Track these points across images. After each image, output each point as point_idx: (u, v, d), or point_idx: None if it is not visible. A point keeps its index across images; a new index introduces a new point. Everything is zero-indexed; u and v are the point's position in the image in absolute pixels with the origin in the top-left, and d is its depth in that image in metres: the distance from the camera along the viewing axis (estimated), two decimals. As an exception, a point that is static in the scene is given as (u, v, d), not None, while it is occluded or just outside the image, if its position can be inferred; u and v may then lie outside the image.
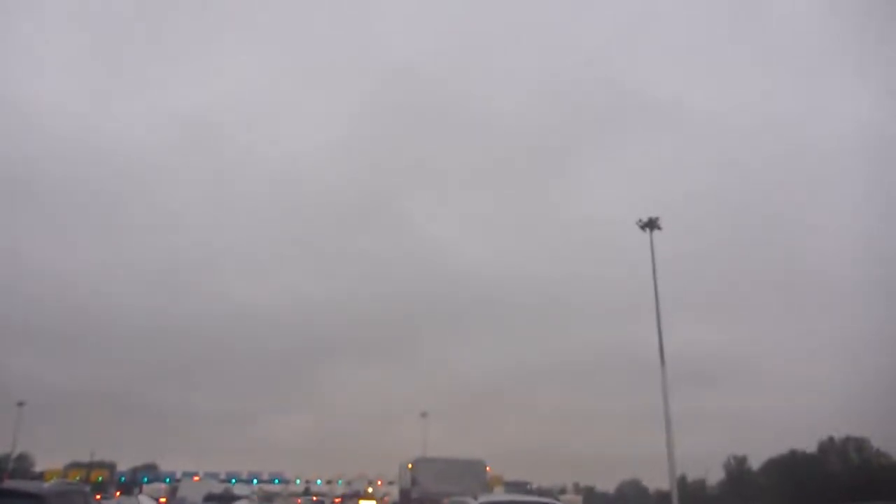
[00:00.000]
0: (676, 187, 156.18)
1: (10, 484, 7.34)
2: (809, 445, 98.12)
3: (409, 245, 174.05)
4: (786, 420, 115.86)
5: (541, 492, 74.46)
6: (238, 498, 45.49)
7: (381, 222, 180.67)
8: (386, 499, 60.59)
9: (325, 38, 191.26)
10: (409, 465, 23.55)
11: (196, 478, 66.07)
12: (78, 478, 60.99)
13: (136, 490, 51.40)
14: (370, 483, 75.92)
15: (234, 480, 69.98)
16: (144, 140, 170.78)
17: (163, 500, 48.68)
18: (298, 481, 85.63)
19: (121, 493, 46.42)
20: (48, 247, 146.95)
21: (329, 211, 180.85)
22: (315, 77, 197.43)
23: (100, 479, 72.48)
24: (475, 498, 11.30)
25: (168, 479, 75.97)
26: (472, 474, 22.08)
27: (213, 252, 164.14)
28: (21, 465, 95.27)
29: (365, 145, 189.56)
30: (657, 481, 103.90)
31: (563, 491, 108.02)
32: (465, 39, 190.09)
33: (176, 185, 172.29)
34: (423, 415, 79.89)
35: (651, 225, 41.65)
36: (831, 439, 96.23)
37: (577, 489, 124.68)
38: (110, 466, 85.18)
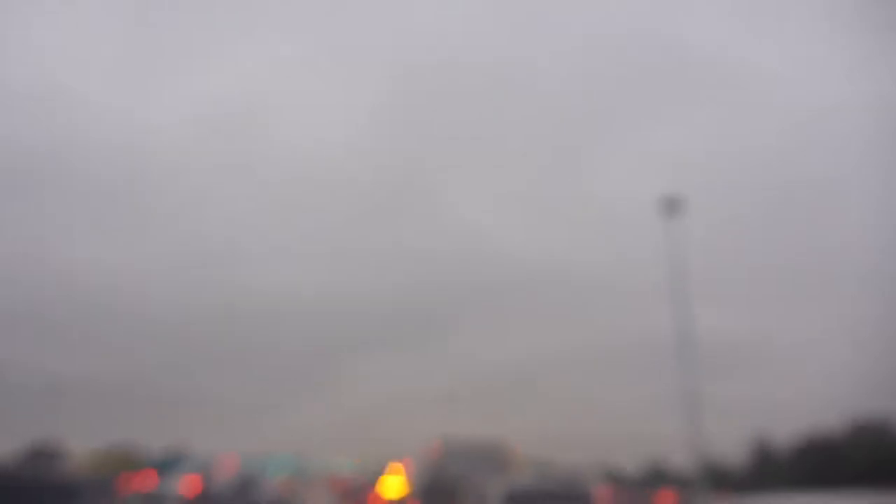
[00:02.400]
0: (711, 162, 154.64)
1: (47, 474, 7.61)
2: (835, 427, 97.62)
3: (439, 229, 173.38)
4: (811, 401, 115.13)
5: (565, 472, 74.68)
6: (265, 482, 46.25)
7: (411, 206, 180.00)
8: (413, 481, 61.16)
9: (351, 19, 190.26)
10: (435, 448, 23.78)
11: (228, 462, 67.06)
12: (111, 466, 62.06)
13: (171, 474, 52.27)
14: (397, 466, 76.51)
15: (264, 464, 70.89)
16: (170, 129, 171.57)
17: (196, 477, 49.50)
18: (326, 464, 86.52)
19: (155, 478, 47.30)
20: (76, 236, 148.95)
21: (358, 196, 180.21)
22: (343, 59, 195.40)
23: (133, 465, 73.76)
24: (502, 480, 11.50)
25: (196, 465, 77.14)
26: (497, 456, 22.30)
27: (242, 241, 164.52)
28: (49, 451, 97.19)
29: (394, 127, 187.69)
30: (681, 462, 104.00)
31: (586, 470, 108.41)
32: (496, 18, 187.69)
33: (202, 174, 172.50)
34: (450, 398, 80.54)
35: (672, 206, 41.47)
36: (857, 420, 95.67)
37: (601, 469, 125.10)
38: (139, 453, 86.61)
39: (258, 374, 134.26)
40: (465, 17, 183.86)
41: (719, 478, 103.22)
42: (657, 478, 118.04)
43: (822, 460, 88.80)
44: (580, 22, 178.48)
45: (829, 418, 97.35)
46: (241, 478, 42.38)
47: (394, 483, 56.83)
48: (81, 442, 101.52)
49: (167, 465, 76.62)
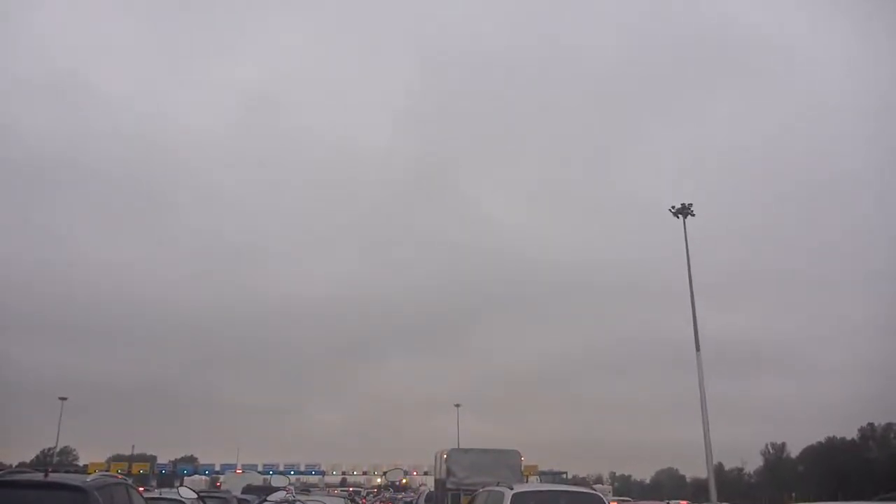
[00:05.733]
0: (737, 161, 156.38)
1: (54, 477, 7.50)
2: (849, 432, 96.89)
3: (462, 226, 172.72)
4: (825, 407, 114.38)
5: (576, 481, 74.34)
6: (277, 489, 45.97)
7: (434, 205, 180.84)
8: (422, 489, 61.07)
9: (380, 12, 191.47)
10: (444, 456, 23.59)
11: (238, 471, 67.05)
12: (120, 471, 62.12)
13: (177, 482, 52.21)
14: (405, 474, 76.31)
15: (271, 472, 70.74)
16: (195, 122, 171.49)
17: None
18: (335, 472, 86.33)
19: (160, 486, 47.19)
20: (91, 238, 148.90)
21: (381, 196, 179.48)
22: (371, 52, 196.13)
23: (141, 471, 73.80)
24: (510, 488, 11.33)
25: (207, 472, 77.20)
26: (506, 464, 22.06)
27: (259, 240, 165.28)
28: (64, 459, 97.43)
29: (423, 122, 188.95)
30: (694, 470, 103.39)
31: (598, 480, 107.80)
32: (525, 10, 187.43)
33: (225, 169, 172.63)
34: (457, 405, 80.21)
35: (684, 212, 41.14)
36: (871, 426, 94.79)
37: (613, 478, 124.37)
38: (151, 459, 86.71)
39: (268, 380, 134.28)
40: (493, 11, 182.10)
41: (735, 483, 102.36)
42: (672, 484, 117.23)
43: (838, 465, 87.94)
44: (609, 16, 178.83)
45: (847, 422, 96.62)
46: (250, 486, 42.11)
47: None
48: (93, 450, 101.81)
49: (176, 473, 76.78)
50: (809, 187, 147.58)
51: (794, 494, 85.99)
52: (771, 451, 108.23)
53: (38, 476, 7.45)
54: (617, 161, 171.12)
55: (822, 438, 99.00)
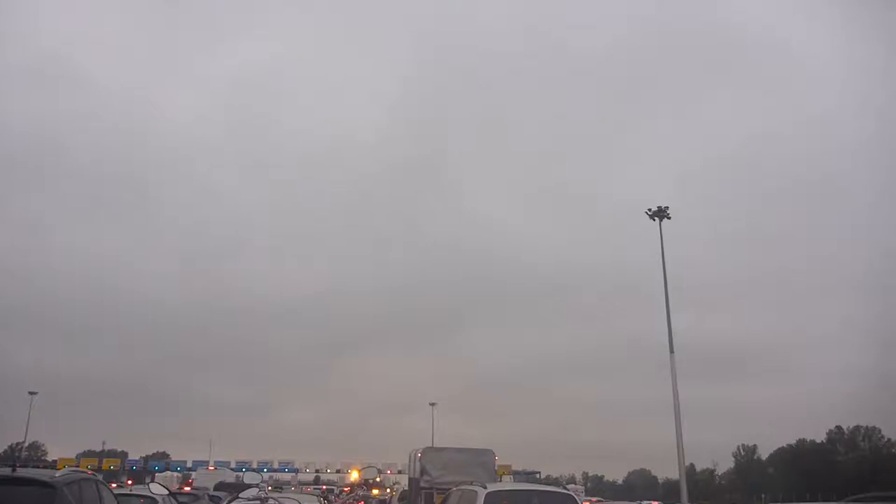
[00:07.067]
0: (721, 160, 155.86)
1: (22, 472, 7.38)
2: (818, 435, 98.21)
3: (457, 227, 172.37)
4: (795, 409, 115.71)
5: (549, 481, 74.68)
6: (249, 486, 45.62)
7: (430, 204, 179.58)
8: (395, 488, 60.92)
9: (377, 8, 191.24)
10: (418, 455, 23.56)
11: (211, 467, 66.48)
12: (90, 467, 61.38)
13: (148, 479, 51.68)
14: (380, 472, 76.18)
15: (244, 469, 70.22)
16: (183, 115, 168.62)
17: (187, 487, 48.90)
18: (309, 470, 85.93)
19: (132, 482, 46.65)
20: (70, 232, 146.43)
21: (377, 195, 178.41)
22: (368, 50, 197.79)
23: (111, 467, 72.99)
24: (484, 487, 11.35)
25: (179, 469, 76.42)
26: (480, 464, 22.05)
27: (247, 236, 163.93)
28: (33, 454, 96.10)
29: (419, 121, 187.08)
30: (666, 471, 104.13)
31: (571, 480, 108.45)
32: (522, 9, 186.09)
33: (215, 164, 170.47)
34: (432, 404, 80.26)
35: (660, 214, 41.41)
36: (840, 428, 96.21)
37: (586, 479, 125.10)
38: (122, 455, 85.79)
39: (244, 377, 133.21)
40: (493, 11, 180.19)
41: (706, 485, 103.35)
42: (644, 485, 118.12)
43: (807, 467, 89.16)
44: (609, 16, 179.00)
45: (816, 424, 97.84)
46: (223, 482, 41.80)
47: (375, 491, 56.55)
48: (62, 445, 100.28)
49: (148, 469, 76.06)
50: (807, 187, 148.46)
51: (763, 496, 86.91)
52: (742, 452, 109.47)
53: (6, 471, 7.33)
54: (616, 161, 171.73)
55: (792, 441, 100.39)
